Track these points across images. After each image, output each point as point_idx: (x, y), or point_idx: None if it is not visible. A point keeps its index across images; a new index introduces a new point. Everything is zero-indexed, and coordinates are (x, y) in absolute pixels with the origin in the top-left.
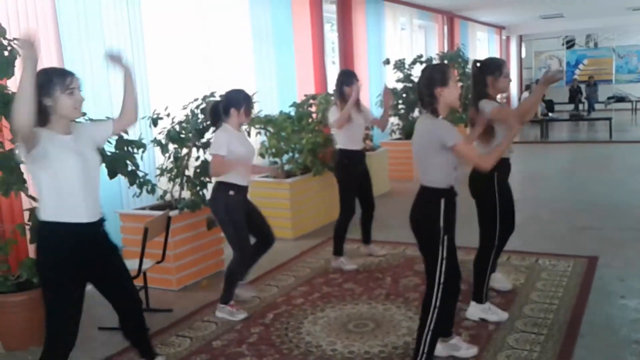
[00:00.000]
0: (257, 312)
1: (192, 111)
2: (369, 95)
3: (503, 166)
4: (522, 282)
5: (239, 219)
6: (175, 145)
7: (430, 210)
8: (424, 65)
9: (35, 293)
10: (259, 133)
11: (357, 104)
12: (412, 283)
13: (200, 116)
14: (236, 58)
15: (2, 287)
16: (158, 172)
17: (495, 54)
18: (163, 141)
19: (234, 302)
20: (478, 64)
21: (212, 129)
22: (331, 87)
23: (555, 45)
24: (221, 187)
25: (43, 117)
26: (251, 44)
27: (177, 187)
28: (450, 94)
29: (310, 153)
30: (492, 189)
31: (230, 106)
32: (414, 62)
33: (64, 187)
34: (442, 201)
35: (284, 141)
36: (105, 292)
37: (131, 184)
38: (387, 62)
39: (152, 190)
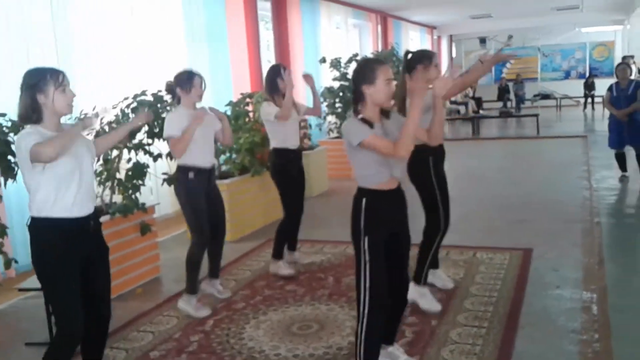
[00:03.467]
0: (196, 319)
1: (122, 111)
2: (306, 94)
3: (438, 151)
4: (462, 276)
5: (198, 202)
6: None
7: (354, 209)
8: None
9: None
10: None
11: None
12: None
13: (131, 115)
14: (168, 56)
15: None
16: None
17: None
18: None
19: (198, 296)
20: (409, 55)
21: (145, 128)
22: None
23: (483, 45)
24: (181, 169)
25: (37, 114)
26: (184, 42)
27: (107, 191)
28: (377, 92)
29: (248, 153)
30: (428, 173)
31: (176, 86)
32: (349, 61)
33: (60, 184)
34: (364, 201)
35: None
36: (84, 291)
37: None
38: (323, 60)
39: None
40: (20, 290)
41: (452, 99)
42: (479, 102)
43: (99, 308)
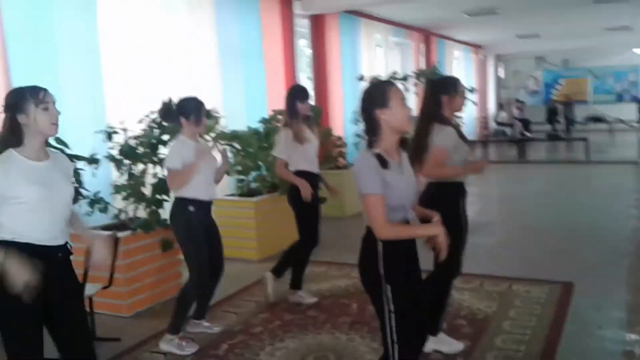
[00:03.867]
0: (212, 341)
1: (149, 125)
2: (344, 111)
3: (456, 190)
4: (494, 309)
5: (199, 237)
6: (129, 161)
7: (367, 253)
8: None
9: None
10: (225, 149)
11: (309, 121)
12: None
13: (157, 131)
14: (201, 71)
15: None
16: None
17: (472, 72)
18: (117, 157)
19: (182, 333)
20: (432, 83)
21: (168, 141)
22: None
23: (533, 65)
24: (181, 202)
25: (17, 136)
26: (217, 57)
27: (132, 206)
28: (393, 116)
29: None
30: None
31: (179, 115)
32: (393, 79)
33: (24, 214)
34: (380, 244)
35: (250, 158)
36: (58, 338)
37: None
38: (362, 78)
39: (105, 209)
40: None
41: (499, 120)
42: (526, 123)
43: (78, 352)
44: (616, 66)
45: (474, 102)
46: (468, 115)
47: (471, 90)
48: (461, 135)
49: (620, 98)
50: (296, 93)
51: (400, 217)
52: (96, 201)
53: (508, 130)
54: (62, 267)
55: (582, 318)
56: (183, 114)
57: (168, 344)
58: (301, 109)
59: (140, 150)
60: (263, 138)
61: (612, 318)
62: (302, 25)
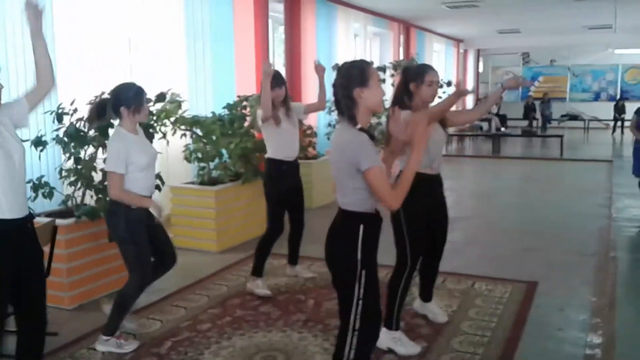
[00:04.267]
0: (155, 339)
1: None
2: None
3: (423, 181)
4: (455, 309)
5: (141, 236)
6: (74, 145)
7: (345, 238)
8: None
9: None
10: (184, 135)
11: (286, 106)
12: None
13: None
14: (164, 52)
15: None
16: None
17: (453, 66)
18: (65, 139)
19: (120, 332)
20: (403, 70)
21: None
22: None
23: (513, 61)
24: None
25: None
26: (184, 39)
27: (79, 192)
28: (372, 96)
29: (242, 159)
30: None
31: (119, 105)
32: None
33: None
34: (361, 228)
35: (212, 145)
36: (16, 299)
37: None
38: (337, 67)
39: (50, 195)
40: None
41: None
42: (503, 119)
43: (34, 313)
44: (595, 65)
45: None
46: None
47: (448, 84)
48: None
49: (597, 97)
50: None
51: (376, 203)
52: (40, 186)
53: (485, 125)
54: (31, 235)
55: (544, 319)
56: (125, 103)
57: (105, 345)
58: (274, 95)
59: (90, 133)
60: (227, 125)
61: (575, 320)
62: (277, 10)
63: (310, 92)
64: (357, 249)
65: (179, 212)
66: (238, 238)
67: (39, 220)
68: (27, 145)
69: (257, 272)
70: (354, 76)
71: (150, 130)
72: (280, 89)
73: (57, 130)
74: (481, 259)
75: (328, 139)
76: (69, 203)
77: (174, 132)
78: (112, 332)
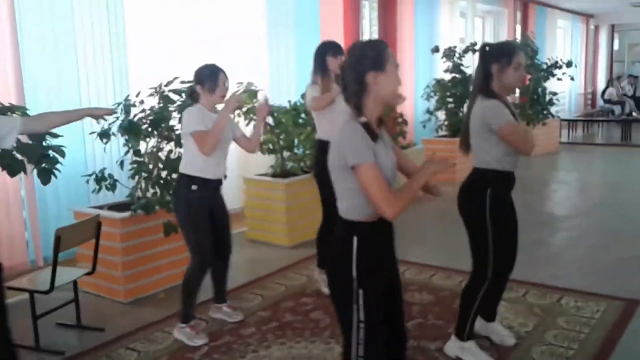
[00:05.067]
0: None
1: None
2: (415, 87)
3: (501, 180)
4: (529, 329)
5: (200, 219)
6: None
7: (339, 251)
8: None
9: None
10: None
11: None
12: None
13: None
14: (244, 41)
15: None
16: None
17: (581, 45)
18: (120, 133)
19: (195, 322)
20: (482, 49)
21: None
22: None
23: None
24: (183, 180)
25: None
26: (265, 28)
27: (142, 185)
28: (387, 83)
29: (312, 150)
30: (482, 208)
31: (196, 83)
32: (466, 51)
33: None
34: (355, 240)
35: (286, 135)
36: None
37: (44, 182)
38: (436, 49)
39: (113, 187)
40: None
41: (606, 97)
42: (638, 102)
43: None
44: None
45: (571, 78)
46: (572, 91)
47: (568, 65)
48: (513, 115)
49: None
50: (327, 47)
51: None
52: (103, 178)
53: (617, 108)
54: None
55: (636, 349)
56: (199, 81)
57: (179, 332)
58: (331, 64)
59: (146, 125)
60: (299, 115)
61: None
62: None
63: (405, 79)
64: (351, 266)
65: (252, 204)
66: (310, 233)
67: (102, 212)
68: (92, 137)
69: (321, 264)
70: (367, 57)
71: None
72: (335, 58)
73: (111, 123)
74: (577, 268)
75: (424, 127)
76: (134, 196)
77: (248, 122)
78: (186, 319)
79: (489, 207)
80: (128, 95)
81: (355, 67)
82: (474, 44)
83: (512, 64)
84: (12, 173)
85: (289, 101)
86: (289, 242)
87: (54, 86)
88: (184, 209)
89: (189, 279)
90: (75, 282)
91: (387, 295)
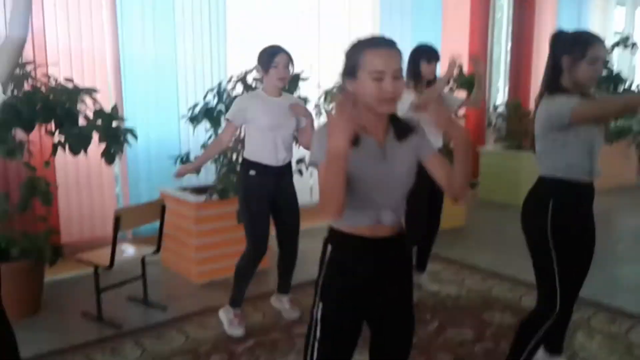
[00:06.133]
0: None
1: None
2: None
3: (569, 191)
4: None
5: (256, 205)
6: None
7: (320, 259)
8: (629, 49)
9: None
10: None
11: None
12: (459, 338)
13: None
14: (353, 29)
15: None
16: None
17: None
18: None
19: (240, 311)
20: (552, 38)
21: None
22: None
23: None
24: (244, 164)
25: None
26: (378, 13)
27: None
28: (360, 92)
29: None
30: (544, 228)
31: (259, 65)
32: (615, 45)
33: None
34: (329, 248)
35: None
36: None
37: (109, 162)
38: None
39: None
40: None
41: None
42: None
43: None
44: None
45: None
46: None
47: None
48: None
49: None
50: (421, 52)
51: (368, 220)
52: (187, 161)
53: None
54: None
55: None
56: (259, 63)
57: (224, 313)
58: (425, 70)
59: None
60: None
61: None
62: None
63: (539, 76)
64: (320, 274)
65: None
66: None
67: (172, 193)
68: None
69: (423, 266)
70: (344, 63)
71: None
72: (430, 64)
73: (192, 108)
74: None
75: (477, 107)
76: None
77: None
78: (234, 303)
79: (551, 221)
80: (221, 82)
81: (341, 74)
82: (627, 37)
83: (586, 57)
84: (75, 151)
85: None
86: None
87: (152, 72)
88: (242, 193)
89: (240, 266)
90: (143, 260)
91: (375, 332)
